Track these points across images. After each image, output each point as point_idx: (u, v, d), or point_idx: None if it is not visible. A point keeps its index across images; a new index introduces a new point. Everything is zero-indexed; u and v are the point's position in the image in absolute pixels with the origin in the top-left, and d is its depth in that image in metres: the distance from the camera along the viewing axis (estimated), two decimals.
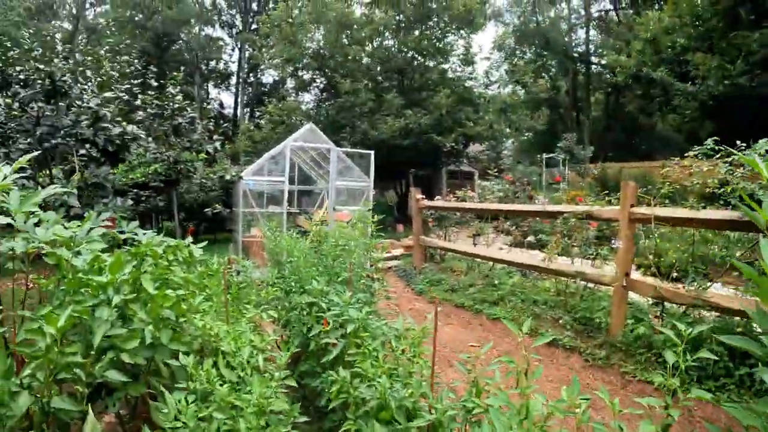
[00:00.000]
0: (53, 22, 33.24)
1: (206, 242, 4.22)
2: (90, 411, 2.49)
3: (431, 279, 9.82)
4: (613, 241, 6.97)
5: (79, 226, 3.65)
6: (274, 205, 12.54)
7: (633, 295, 6.37)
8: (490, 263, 9.78)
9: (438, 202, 11.78)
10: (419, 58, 23.91)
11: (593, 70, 36.30)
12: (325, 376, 3.43)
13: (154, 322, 2.87)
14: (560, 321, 6.60)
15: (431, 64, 24.37)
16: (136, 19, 39.92)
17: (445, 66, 24.95)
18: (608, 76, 32.08)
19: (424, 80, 23.79)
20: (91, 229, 3.72)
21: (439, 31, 24.24)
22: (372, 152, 12.38)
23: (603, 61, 33.79)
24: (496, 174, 15.52)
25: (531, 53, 35.96)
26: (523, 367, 2.44)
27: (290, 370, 3.19)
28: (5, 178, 3.31)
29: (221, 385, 2.64)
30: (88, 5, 49.42)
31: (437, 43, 24.12)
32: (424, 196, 11.38)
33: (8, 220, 3.08)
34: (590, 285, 7.28)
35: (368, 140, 20.40)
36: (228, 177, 15.36)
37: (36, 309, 3.00)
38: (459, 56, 25.01)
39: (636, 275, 6.47)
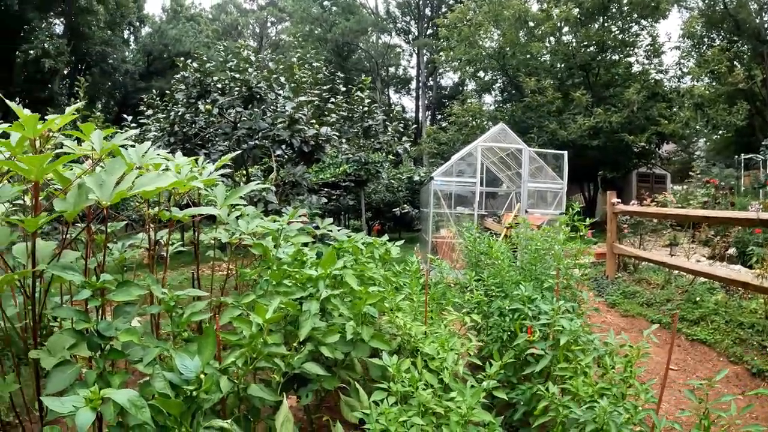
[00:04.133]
0: (239, 41, 36.69)
1: (404, 241, 4.13)
2: (285, 401, 2.48)
3: (624, 291, 9.08)
4: None
5: (276, 220, 3.75)
6: (461, 206, 12.43)
7: None
8: (690, 277, 8.81)
9: (635, 206, 10.89)
10: (603, 52, 22.55)
11: None
12: (523, 389, 3.21)
13: (355, 318, 2.81)
14: None
15: (616, 57, 22.91)
16: (316, 32, 42.32)
17: (631, 59, 23.32)
18: None
19: (610, 76, 22.41)
20: (289, 223, 3.81)
21: (621, 22, 22.77)
22: (565, 152, 11.81)
23: None
24: (698, 176, 14.12)
25: (720, 39, 32.26)
26: None
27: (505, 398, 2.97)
28: (210, 174, 3.47)
29: (423, 389, 2.48)
30: (269, 24, 53.62)
31: (620, 35, 22.60)
32: (619, 200, 10.58)
33: (215, 211, 3.18)
34: None
35: (556, 141, 19.62)
36: (416, 178, 15.59)
37: (239, 296, 3.08)
38: (645, 47, 23.12)
39: None
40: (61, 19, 33.55)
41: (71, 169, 2.78)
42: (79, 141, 3.11)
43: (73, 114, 2.65)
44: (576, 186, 24.25)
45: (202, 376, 1.89)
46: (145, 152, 3.05)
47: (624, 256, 10.43)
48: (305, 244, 3.61)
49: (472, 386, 2.50)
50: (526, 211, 11.27)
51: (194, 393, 1.88)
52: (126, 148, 2.96)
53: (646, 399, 2.68)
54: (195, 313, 2.46)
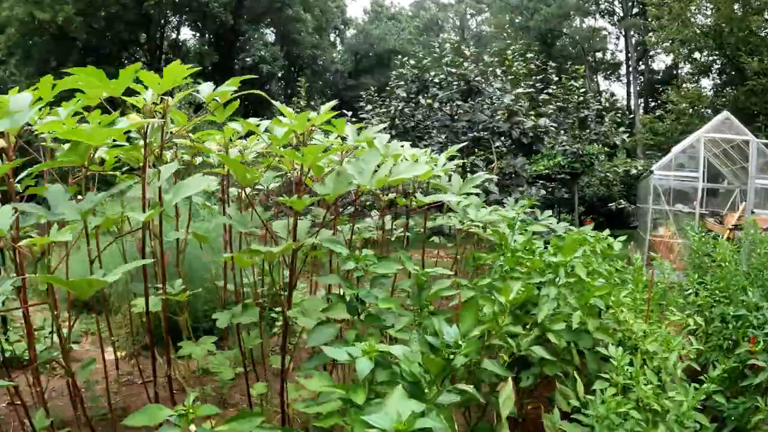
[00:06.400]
0: (441, 35, 37.24)
1: (625, 237, 4.15)
2: (509, 379, 2.62)
3: None
4: None
5: (497, 210, 3.97)
6: (680, 202, 11.71)
7: None
8: None
9: None
10: None
11: None
12: (737, 402, 3.12)
13: (582, 308, 2.92)
14: None
15: None
16: (517, 21, 41.56)
17: None
18: None
19: None
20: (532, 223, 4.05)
21: None
22: None
23: None
24: None
25: None
26: None
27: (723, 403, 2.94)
28: (444, 164, 3.77)
29: (644, 384, 2.55)
30: (468, 16, 53.54)
31: None
32: None
33: (454, 198, 3.46)
34: None
35: None
36: (633, 171, 14.91)
37: (473, 280, 3.35)
38: None
39: None
40: (272, 29, 37.01)
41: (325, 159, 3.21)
42: (326, 134, 3.57)
43: (329, 111, 3.04)
44: None
45: (460, 341, 2.14)
46: (388, 143, 3.43)
47: None
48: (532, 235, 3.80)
49: (695, 388, 2.53)
50: (753, 212, 10.25)
51: (451, 356, 2.12)
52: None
53: None
54: (443, 289, 2.75)
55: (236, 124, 3.10)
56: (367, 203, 8.36)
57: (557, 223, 4.39)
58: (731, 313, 3.48)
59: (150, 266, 2.61)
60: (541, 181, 12.83)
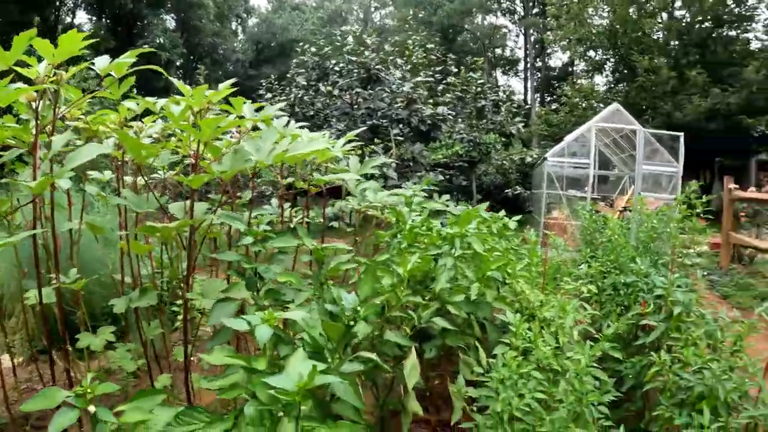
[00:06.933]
0: (344, 27, 37.51)
1: (520, 217, 4.31)
2: (413, 349, 2.66)
3: (738, 282, 8.75)
4: None
5: (396, 194, 4.03)
6: (574, 189, 12.34)
7: None
8: None
9: (753, 193, 10.41)
10: (719, 27, 21.28)
11: None
12: (633, 361, 3.28)
13: (480, 281, 2.99)
14: None
15: (733, 33, 21.55)
16: (420, 15, 42.36)
17: (749, 35, 22.00)
18: None
19: (728, 53, 21.10)
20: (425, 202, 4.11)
21: None
22: (681, 134, 11.43)
23: None
24: None
25: None
26: None
27: (619, 358, 3.11)
28: (343, 146, 3.77)
29: (543, 346, 2.65)
30: (372, 9, 54.10)
31: (736, 8, 21.28)
32: (737, 186, 10.13)
33: (352, 176, 3.46)
34: None
35: (671, 123, 18.82)
36: (528, 159, 15.54)
37: (375, 257, 3.37)
38: (763, 22, 21.72)
39: None
40: (172, 15, 35.74)
41: (221, 140, 3.14)
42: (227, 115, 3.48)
43: (227, 88, 2.96)
44: (691, 173, 23.04)
45: (359, 307, 2.16)
46: (287, 124, 3.39)
47: (740, 246, 9.99)
48: (429, 214, 3.86)
49: (591, 345, 2.66)
50: (640, 195, 11.02)
51: (351, 323, 2.14)
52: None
53: (753, 372, 2.74)
54: (342, 263, 2.76)
55: (132, 102, 2.99)
56: (267, 193, 8.28)
57: (457, 206, 4.51)
58: (622, 281, 3.68)
59: (44, 260, 2.46)
60: (439, 169, 13.18)
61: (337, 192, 4.59)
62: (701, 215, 4.16)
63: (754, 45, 22.04)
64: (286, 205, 4.30)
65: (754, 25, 22.03)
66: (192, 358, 3.05)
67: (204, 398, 3.29)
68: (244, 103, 3.12)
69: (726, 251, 9.93)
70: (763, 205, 10.25)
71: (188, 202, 2.69)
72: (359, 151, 9.26)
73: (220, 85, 2.97)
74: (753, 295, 8.03)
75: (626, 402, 3.35)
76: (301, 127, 3.76)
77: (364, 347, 2.76)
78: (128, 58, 2.54)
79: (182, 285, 2.84)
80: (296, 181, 3.91)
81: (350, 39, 12.07)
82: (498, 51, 48.40)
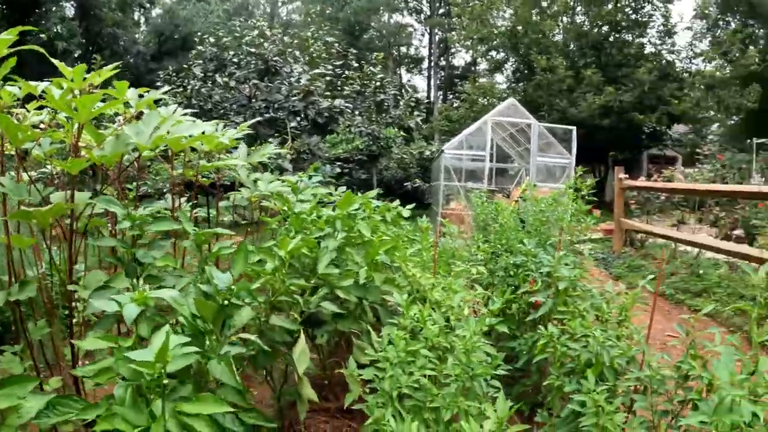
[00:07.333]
0: (249, 21, 36.81)
1: (413, 206, 4.37)
2: (302, 335, 2.66)
3: (630, 264, 9.28)
4: None
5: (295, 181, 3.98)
6: (472, 181, 12.66)
7: None
8: (693, 252, 9.16)
9: (642, 182, 11.07)
10: (617, 32, 22.61)
11: None
12: (526, 338, 3.39)
13: (368, 266, 3.00)
14: None
15: (628, 38, 22.96)
16: (327, 11, 42.28)
17: (644, 40, 23.50)
18: None
19: (623, 56, 22.47)
20: (311, 188, 4.05)
21: (634, 2, 22.91)
22: (574, 128, 12.02)
23: None
24: (705, 156, 14.26)
25: (736, 22, 31.93)
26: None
27: (506, 331, 3.20)
28: (233, 136, 3.68)
29: (431, 325, 2.69)
30: (279, 3, 53.56)
31: (633, 15, 22.73)
32: (627, 176, 10.75)
33: (239, 162, 3.39)
34: None
35: (567, 119, 19.74)
36: (427, 153, 15.77)
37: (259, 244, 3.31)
38: (657, 28, 23.41)
39: None
40: (72, 2, 33.78)
41: (106, 128, 3.00)
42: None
43: (110, 70, 2.83)
44: (587, 167, 24.23)
45: (233, 286, 2.12)
46: (174, 111, 3.27)
47: (631, 231, 10.60)
48: (321, 204, 3.84)
49: (476, 320, 2.71)
50: (534, 186, 11.47)
51: (226, 302, 2.10)
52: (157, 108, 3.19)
53: (638, 339, 2.90)
54: (223, 248, 2.69)
55: (14, 87, 2.80)
56: (165, 190, 8.01)
57: None
58: (512, 262, 3.81)
59: None
60: (339, 162, 13.21)
61: (233, 187, 4.50)
62: (591, 202, 4.38)
63: (649, 49, 23.51)
64: (183, 199, 4.17)
65: (648, 31, 23.52)
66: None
67: (99, 395, 3.15)
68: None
69: (618, 236, 10.50)
70: (651, 193, 10.89)
71: (69, 192, 2.56)
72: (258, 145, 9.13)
73: (105, 69, 2.84)
74: (644, 275, 8.50)
75: (523, 378, 3.47)
76: (196, 117, 3.65)
77: (253, 333, 2.70)
78: (8, 35, 2.38)
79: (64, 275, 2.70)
80: (185, 170, 3.79)
81: (251, 31, 11.85)
82: (403, 49, 49.05)
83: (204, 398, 1.74)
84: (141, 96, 3.13)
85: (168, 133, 2.56)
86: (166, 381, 1.64)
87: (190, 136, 2.79)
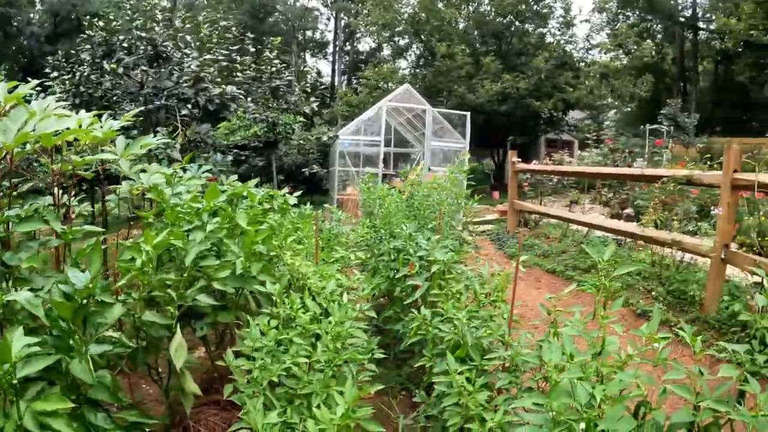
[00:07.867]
0: (144, 1, 34.88)
1: (313, 202, 4.38)
2: (178, 330, 2.67)
3: (523, 244, 9.66)
4: (713, 209, 6.52)
5: (175, 171, 3.90)
6: (370, 166, 12.79)
7: (732, 275, 6.12)
8: (584, 231, 9.61)
9: (534, 165, 11.55)
10: (517, 22, 23.36)
11: (701, 36, 33.62)
12: (407, 320, 3.48)
13: (246, 255, 3.03)
14: (653, 293, 6.32)
15: (529, 28, 23.78)
16: None
17: (544, 30, 24.47)
18: (717, 42, 29.73)
19: (523, 45, 23.30)
20: (192, 178, 3.97)
21: None
22: (468, 113, 12.35)
23: (712, 27, 31.33)
24: (595, 140, 15.01)
25: (634, 17, 33.89)
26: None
27: (375, 316, 3.28)
28: (111, 127, 3.56)
29: (304, 314, 2.74)
30: None
31: (535, 6, 23.51)
32: (520, 159, 11.19)
33: (115, 156, 3.31)
34: (687, 258, 6.90)
35: (465, 105, 20.24)
36: (325, 138, 15.73)
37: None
38: (558, 19, 24.41)
39: None
40: None
41: None
42: None
43: None
44: (486, 151, 25.04)
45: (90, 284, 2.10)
46: (47, 105, 3.14)
47: (525, 212, 11.05)
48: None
49: (344, 306, 2.79)
50: (429, 169, 11.76)
51: (84, 301, 2.07)
52: (29, 102, 3.05)
53: (506, 319, 3.06)
54: (91, 245, 2.62)
55: None
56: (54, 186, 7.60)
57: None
58: (392, 246, 3.92)
59: None
60: (235, 150, 13.00)
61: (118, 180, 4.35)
62: (482, 184, 4.54)
63: (548, 39, 24.52)
64: (71, 195, 4.00)
65: (549, 21, 24.50)
66: None
67: None
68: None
69: (512, 217, 10.93)
70: (543, 176, 11.38)
71: None
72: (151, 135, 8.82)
73: None
74: (536, 253, 8.90)
75: (411, 359, 3.59)
76: (87, 111, 3.49)
77: (128, 331, 2.67)
78: None
79: None
80: (63, 165, 3.64)
81: (145, 12, 11.35)
82: (308, 33, 48.47)
83: (49, 397, 1.73)
84: (10, 92, 3.00)
85: (34, 129, 2.47)
86: (15, 381, 1.62)
87: (63, 130, 2.70)
